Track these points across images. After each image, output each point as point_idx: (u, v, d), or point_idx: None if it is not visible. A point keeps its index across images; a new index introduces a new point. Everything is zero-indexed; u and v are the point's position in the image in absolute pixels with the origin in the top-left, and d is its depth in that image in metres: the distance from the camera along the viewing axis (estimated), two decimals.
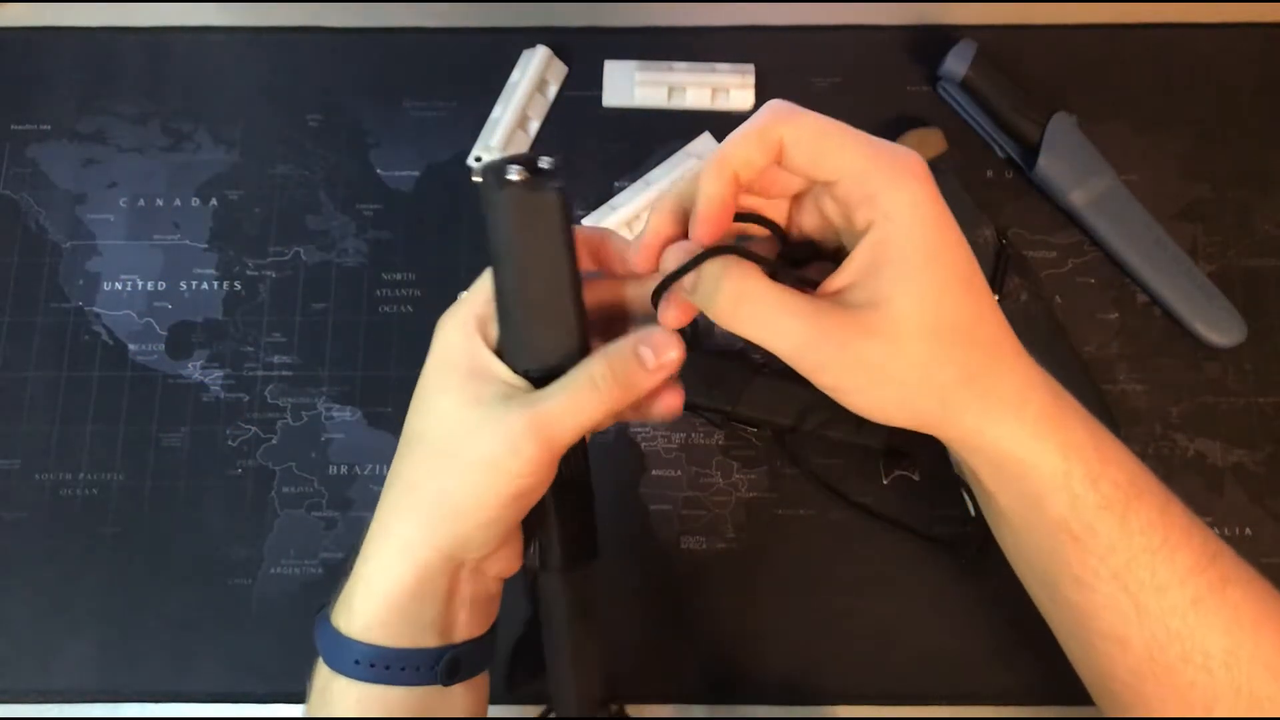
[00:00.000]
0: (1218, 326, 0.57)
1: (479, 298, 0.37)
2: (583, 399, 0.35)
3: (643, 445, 0.57)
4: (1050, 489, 0.34)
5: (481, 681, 0.41)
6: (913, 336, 0.32)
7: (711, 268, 0.34)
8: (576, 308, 0.37)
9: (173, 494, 0.57)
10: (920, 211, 0.32)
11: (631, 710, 0.53)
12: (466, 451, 0.35)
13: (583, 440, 0.39)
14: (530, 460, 0.34)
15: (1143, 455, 0.55)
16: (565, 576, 0.40)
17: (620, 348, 0.35)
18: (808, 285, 0.35)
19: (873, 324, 0.32)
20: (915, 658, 0.54)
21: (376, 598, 0.37)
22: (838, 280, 0.34)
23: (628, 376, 0.35)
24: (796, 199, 0.37)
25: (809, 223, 0.37)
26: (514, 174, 0.35)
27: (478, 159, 0.61)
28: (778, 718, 0.53)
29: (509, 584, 0.41)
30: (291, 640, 0.54)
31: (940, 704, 0.53)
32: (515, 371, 0.37)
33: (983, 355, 0.33)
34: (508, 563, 0.39)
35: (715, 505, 0.56)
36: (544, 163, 0.36)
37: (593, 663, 0.41)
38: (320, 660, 0.38)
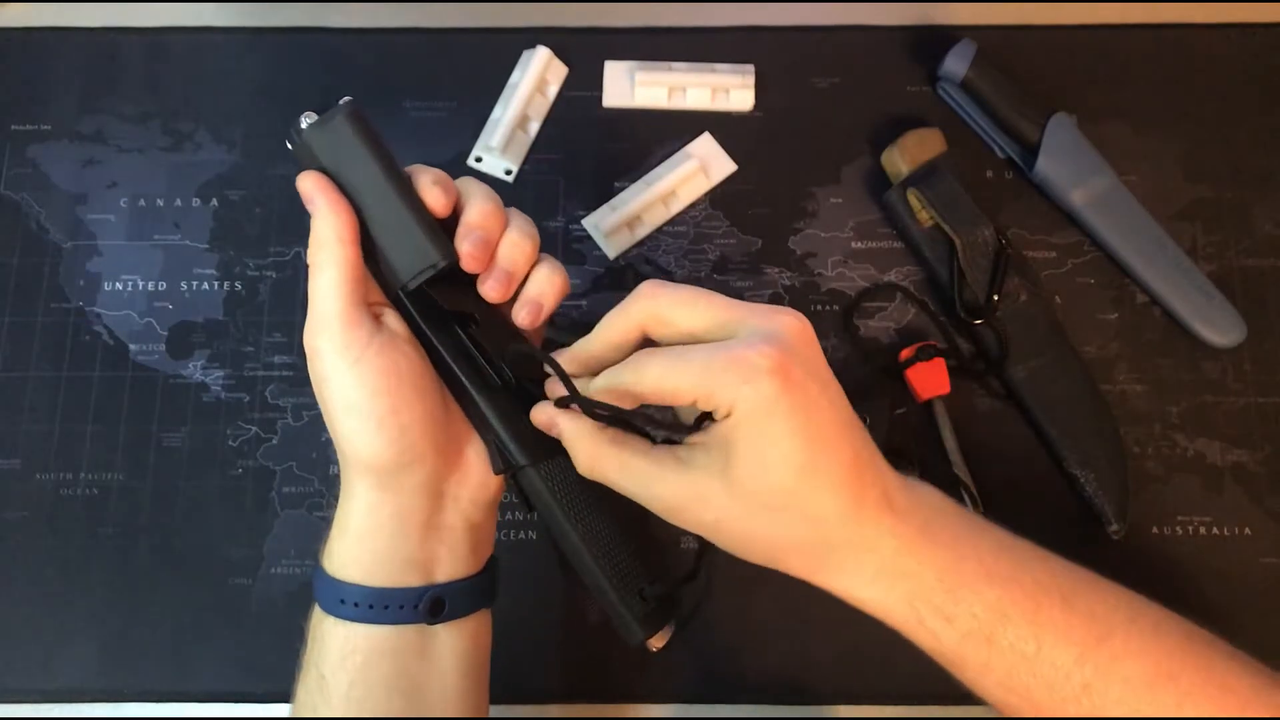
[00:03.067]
0: (1217, 326, 0.57)
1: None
2: (313, 278, 0.38)
3: None
4: (910, 630, 0.36)
5: (475, 625, 0.41)
6: (736, 510, 0.35)
7: (569, 429, 0.38)
8: (411, 206, 0.38)
9: (173, 494, 0.57)
10: (758, 409, 0.33)
11: (631, 710, 0.54)
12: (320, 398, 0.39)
13: (510, 331, 0.41)
14: (324, 348, 0.38)
15: (1142, 455, 0.56)
16: (540, 469, 0.39)
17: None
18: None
19: (706, 491, 0.35)
20: (915, 658, 0.53)
21: (349, 538, 0.39)
22: (694, 439, 0.36)
23: (322, 239, 0.38)
24: None
25: None
26: (305, 121, 0.39)
27: (478, 159, 0.61)
28: (778, 718, 0.53)
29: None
30: (291, 640, 0.54)
31: (940, 704, 0.53)
32: (401, 293, 0.39)
33: (809, 528, 0.35)
34: (476, 485, 0.41)
35: None
36: (340, 104, 0.39)
37: (617, 550, 0.40)
38: (316, 604, 0.40)
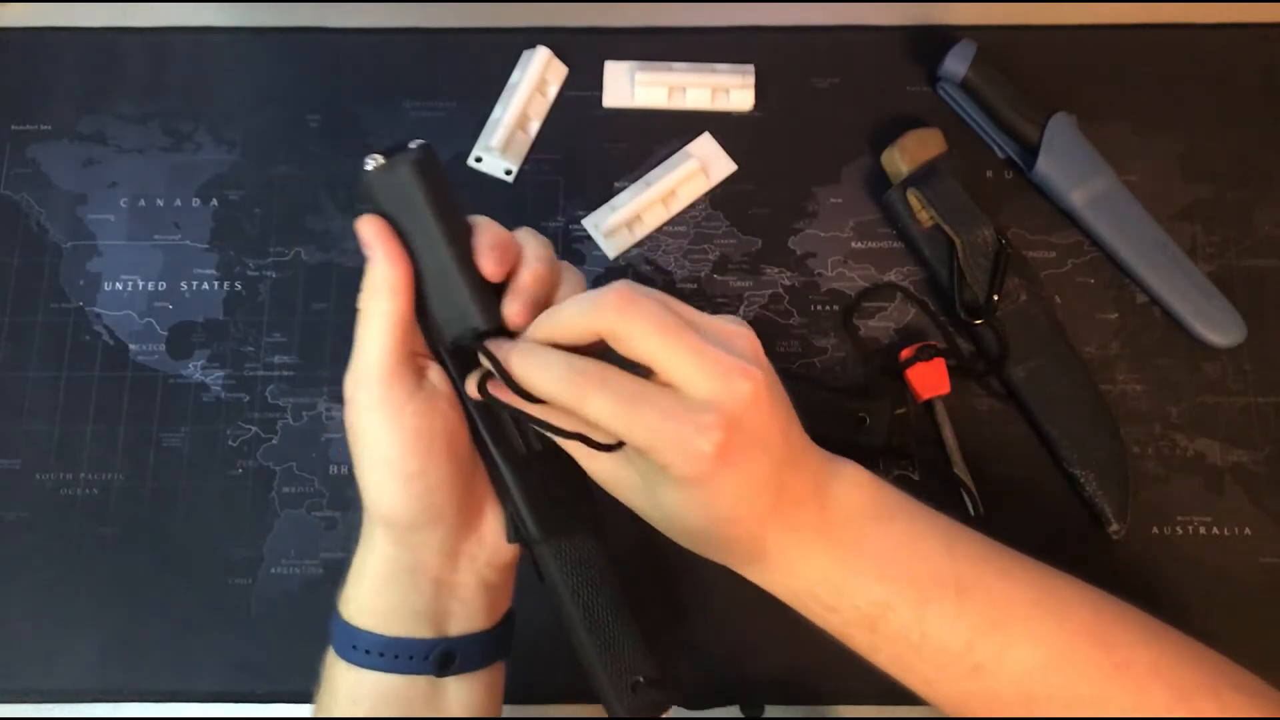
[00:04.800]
0: (1217, 326, 0.57)
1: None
2: (362, 325, 0.38)
3: None
4: (797, 608, 0.39)
5: (488, 678, 0.41)
6: (656, 515, 0.37)
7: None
8: (463, 268, 0.37)
9: (173, 494, 0.57)
10: (689, 480, 0.34)
11: None
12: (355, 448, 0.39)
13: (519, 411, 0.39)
14: (361, 400, 0.37)
15: (1142, 455, 0.56)
16: (551, 546, 0.39)
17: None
18: None
19: (634, 487, 0.37)
20: None
21: (365, 585, 0.39)
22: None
23: (376, 288, 0.38)
24: None
25: None
26: (370, 164, 0.38)
27: (478, 159, 0.61)
28: (778, 718, 0.53)
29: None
30: (291, 640, 0.54)
31: None
32: (442, 350, 0.39)
33: (719, 547, 0.37)
34: (493, 548, 0.41)
35: None
36: (412, 145, 0.38)
37: (615, 635, 0.40)
38: (330, 647, 0.40)
